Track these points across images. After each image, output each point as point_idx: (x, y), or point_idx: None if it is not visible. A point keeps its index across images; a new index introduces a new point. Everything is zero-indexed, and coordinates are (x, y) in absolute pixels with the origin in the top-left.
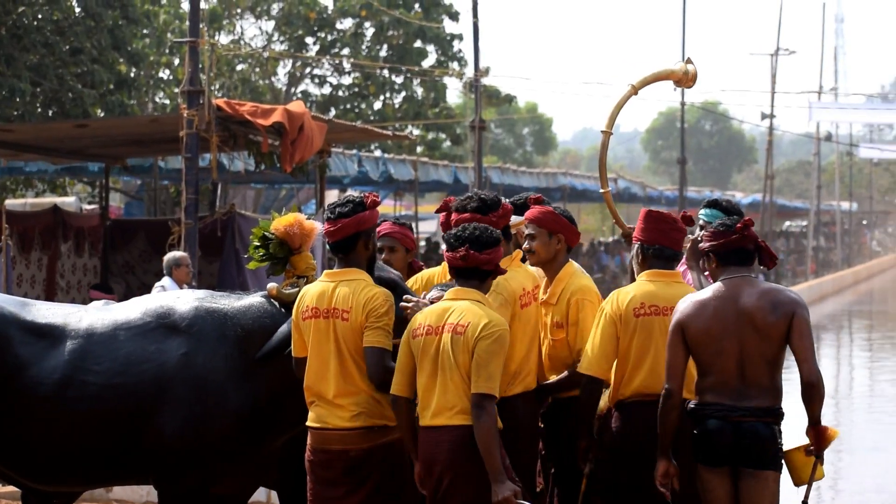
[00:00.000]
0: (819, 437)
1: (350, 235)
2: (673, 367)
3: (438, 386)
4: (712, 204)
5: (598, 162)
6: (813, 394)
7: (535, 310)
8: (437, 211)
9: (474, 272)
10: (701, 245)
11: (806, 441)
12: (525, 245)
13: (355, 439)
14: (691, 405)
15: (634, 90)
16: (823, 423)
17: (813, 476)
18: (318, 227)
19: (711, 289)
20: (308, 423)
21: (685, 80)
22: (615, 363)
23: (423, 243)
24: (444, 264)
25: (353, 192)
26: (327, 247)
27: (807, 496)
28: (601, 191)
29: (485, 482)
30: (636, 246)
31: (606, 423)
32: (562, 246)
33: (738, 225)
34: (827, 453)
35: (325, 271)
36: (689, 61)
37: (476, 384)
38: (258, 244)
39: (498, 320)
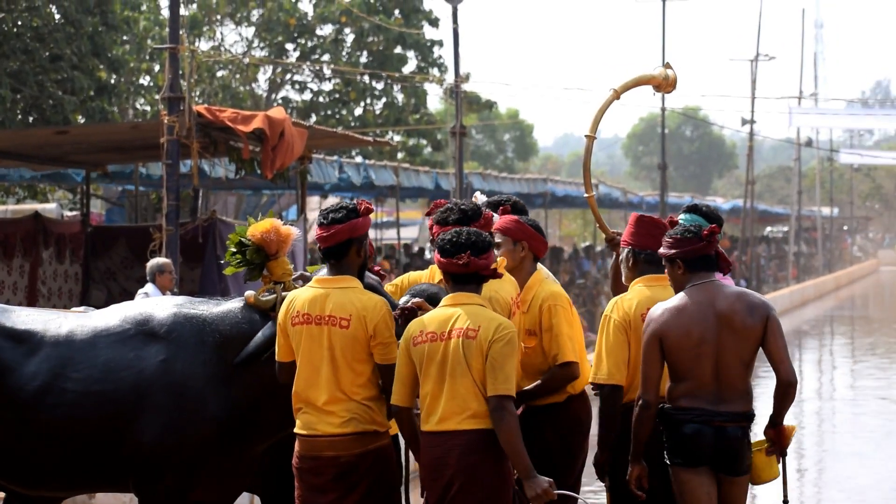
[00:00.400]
0: (782, 435)
1: (343, 242)
2: (650, 378)
3: (446, 391)
4: (692, 209)
5: (583, 166)
6: (791, 393)
7: (518, 318)
8: (428, 214)
9: (472, 277)
10: (664, 251)
11: (762, 439)
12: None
13: (346, 445)
14: (666, 408)
15: (617, 94)
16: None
17: (785, 475)
18: (295, 232)
19: (684, 295)
20: (296, 431)
21: (665, 85)
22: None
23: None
24: (432, 268)
25: (334, 199)
26: (308, 254)
27: (785, 496)
28: (586, 195)
29: (494, 485)
30: (627, 250)
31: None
32: (526, 254)
33: (705, 232)
34: (810, 459)
35: (316, 277)
36: (668, 66)
37: (494, 387)
38: (235, 250)
39: (508, 322)
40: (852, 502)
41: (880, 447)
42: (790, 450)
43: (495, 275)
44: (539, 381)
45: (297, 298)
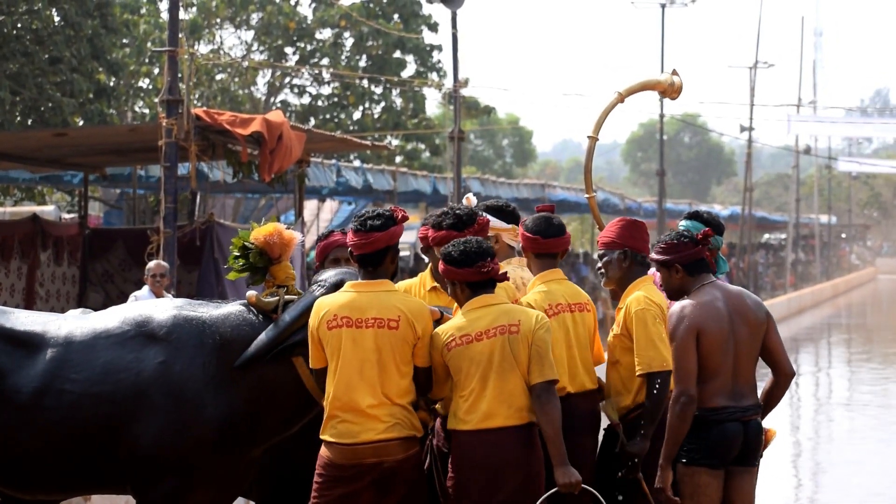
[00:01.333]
0: (766, 436)
1: (381, 249)
2: (690, 372)
3: (492, 389)
4: (693, 216)
5: (584, 167)
6: (787, 386)
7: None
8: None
9: (489, 282)
10: (661, 257)
11: None
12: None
13: (391, 450)
14: (699, 410)
15: (621, 97)
16: (786, 430)
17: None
18: (298, 236)
19: (706, 293)
20: (331, 439)
21: (670, 90)
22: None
23: (405, 253)
24: (422, 276)
25: (332, 202)
26: (307, 258)
27: None
28: (586, 196)
29: (541, 474)
30: (622, 252)
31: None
32: (630, 260)
33: (699, 235)
34: (807, 468)
35: (350, 283)
36: (675, 73)
37: (541, 373)
38: (238, 254)
39: (541, 313)
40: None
41: (877, 455)
42: (785, 459)
43: (505, 278)
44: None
45: (332, 303)
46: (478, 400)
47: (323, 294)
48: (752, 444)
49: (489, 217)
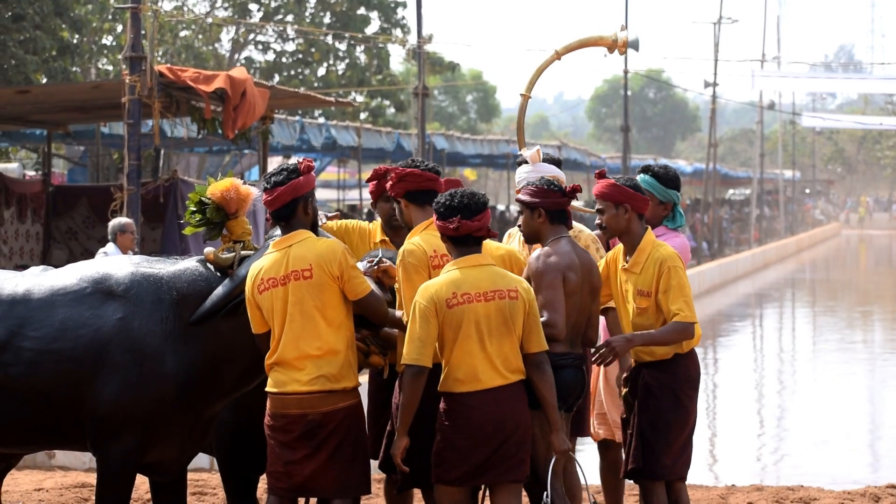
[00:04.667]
0: None
1: (288, 202)
2: (562, 308)
3: (490, 349)
4: (646, 170)
5: (517, 125)
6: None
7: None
8: (368, 180)
9: (469, 239)
10: (526, 198)
11: None
12: (597, 221)
13: (314, 402)
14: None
15: (558, 56)
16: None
17: None
18: (255, 192)
19: (565, 245)
20: (267, 389)
21: (615, 46)
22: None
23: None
24: (373, 227)
25: (297, 158)
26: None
27: None
28: (518, 152)
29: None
30: (623, 207)
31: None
32: (631, 215)
33: (568, 188)
34: (770, 450)
35: (272, 242)
36: (623, 28)
37: (539, 343)
38: (194, 209)
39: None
40: (815, 443)
41: (838, 397)
42: (754, 401)
43: (490, 235)
44: (659, 329)
45: (261, 267)
46: (473, 360)
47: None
48: (585, 389)
49: (560, 172)
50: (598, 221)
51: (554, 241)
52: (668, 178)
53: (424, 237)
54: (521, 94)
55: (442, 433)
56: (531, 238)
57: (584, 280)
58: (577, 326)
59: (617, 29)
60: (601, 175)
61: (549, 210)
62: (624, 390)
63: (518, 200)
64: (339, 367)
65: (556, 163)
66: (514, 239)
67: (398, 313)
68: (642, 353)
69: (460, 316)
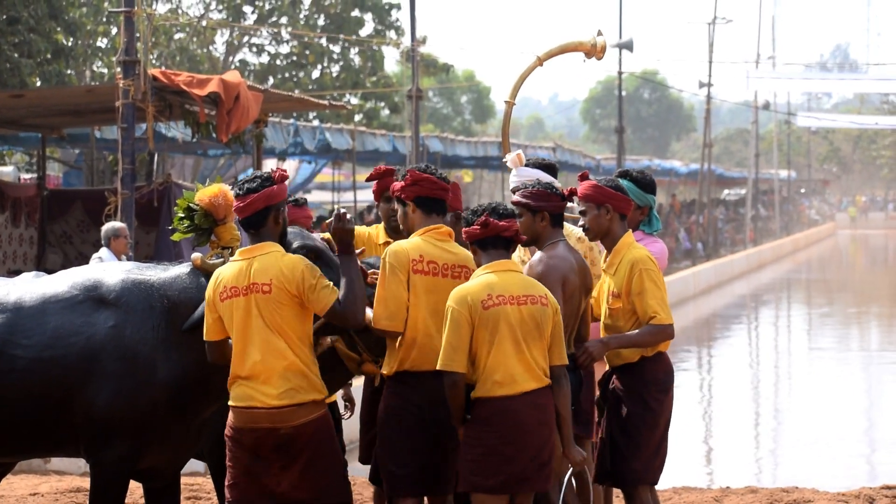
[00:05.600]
0: None
1: (260, 210)
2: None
3: (526, 353)
4: (624, 174)
5: (501, 131)
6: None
7: (440, 282)
8: (368, 179)
9: (497, 241)
10: (529, 202)
11: None
12: (580, 223)
13: (285, 417)
14: None
15: (539, 62)
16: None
17: None
18: None
19: (564, 248)
20: (231, 403)
21: (594, 51)
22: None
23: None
24: (376, 229)
25: (292, 162)
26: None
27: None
28: (503, 159)
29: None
30: (605, 208)
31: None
32: (612, 216)
33: (567, 192)
34: (765, 451)
35: (239, 250)
36: (599, 33)
37: (560, 357)
38: (183, 215)
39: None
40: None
41: (833, 398)
42: (749, 402)
43: (518, 239)
44: (635, 331)
45: (223, 274)
46: (512, 363)
47: None
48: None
49: (543, 174)
50: (581, 223)
51: (552, 245)
52: (646, 183)
53: (415, 241)
54: (505, 101)
55: (479, 439)
56: (531, 241)
57: (581, 282)
58: (570, 327)
59: (594, 34)
60: (584, 177)
61: (552, 213)
62: (597, 394)
63: (516, 203)
64: (306, 379)
65: (550, 167)
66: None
67: (368, 312)
68: (611, 357)
69: (496, 317)
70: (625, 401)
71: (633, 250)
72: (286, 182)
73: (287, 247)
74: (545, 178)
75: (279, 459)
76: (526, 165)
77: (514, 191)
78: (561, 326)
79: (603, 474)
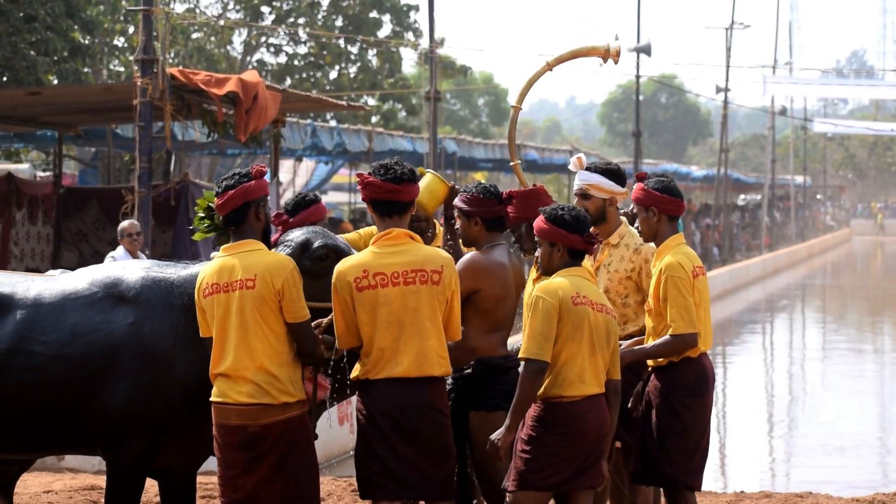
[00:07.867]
0: None
1: (239, 206)
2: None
3: (598, 357)
4: (641, 178)
5: (508, 136)
6: None
7: (391, 292)
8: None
9: (583, 253)
10: (463, 206)
11: None
12: (635, 226)
13: (253, 415)
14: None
15: (549, 67)
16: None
17: None
18: None
19: (499, 253)
20: (211, 399)
21: (608, 55)
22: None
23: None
24: (368, 231)
25: (309, 162)
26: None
27: None
28: (511, 164)
29: None
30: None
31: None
32: (660, 218)
33: (505, 195)
34: (779, 456)
35: (222, 246)
36: (616, 38)
37: (616, 371)
38: (203, 215)
39: None
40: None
41: (846, 411)
42: (763, 407)
43: (590, 250)
44: (650, 344)
45: (206, 271)
46: (585, 364)
47: (289, 255)
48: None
49: (602, 179)
50: (635, 227)
51: (489, 248)
52: (619, 177)
53: (362, 255)
54: (512, 107)
55: (543, 439)
56: (468, 244)
57: (518, 286)
58: (509, 327)
59: (610, 38)
60: (641, 178)
61: (484, 218)
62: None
63: (455, 207)
64: (281, 380)
65: (614, 173)
66: None
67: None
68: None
69: (582, 316)
70: (654, 404)
71: (668, 255)
72: (265, 177)
73: (307, 246)
74: (605, 183)
75: (244, 459)
76: (587, 169)
77: (576, 194)
78: (618, 342)
79: (637, 474)
